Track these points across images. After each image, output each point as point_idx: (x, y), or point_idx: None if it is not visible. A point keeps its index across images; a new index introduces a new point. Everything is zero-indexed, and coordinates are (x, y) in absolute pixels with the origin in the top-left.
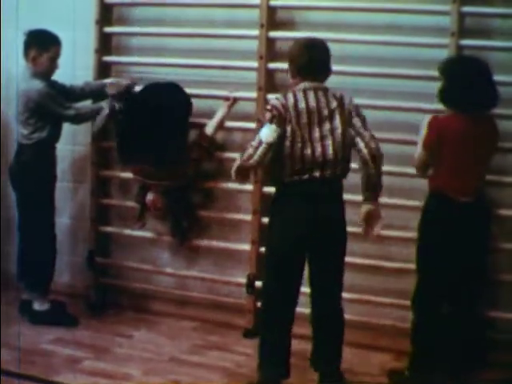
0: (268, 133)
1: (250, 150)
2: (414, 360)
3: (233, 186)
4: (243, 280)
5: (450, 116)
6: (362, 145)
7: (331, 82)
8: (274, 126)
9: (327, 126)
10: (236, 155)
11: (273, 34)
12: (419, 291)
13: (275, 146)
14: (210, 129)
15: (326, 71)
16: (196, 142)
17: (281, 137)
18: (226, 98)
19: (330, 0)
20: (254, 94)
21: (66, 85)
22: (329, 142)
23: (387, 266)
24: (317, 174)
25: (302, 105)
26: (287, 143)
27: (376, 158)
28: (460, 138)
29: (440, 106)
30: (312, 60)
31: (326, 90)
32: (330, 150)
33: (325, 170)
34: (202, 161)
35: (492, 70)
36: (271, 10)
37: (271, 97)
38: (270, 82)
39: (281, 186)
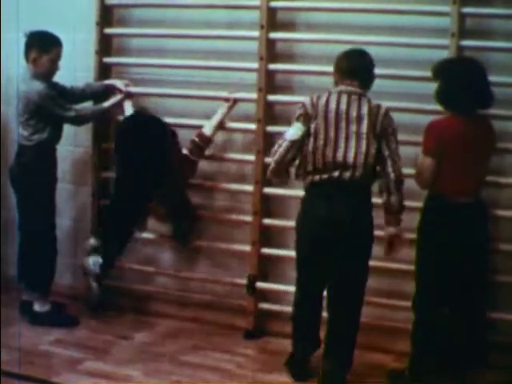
0: (293, 131)
1: (276, 147)
2: (414, 361)
3: (233, 186)
4: (244, 281)
5: (449, 118)
6: (390, 169)
7: (331, 83)
8: (299, 125)
9: (353, 128)
10: (236, 156)
11: (273, 35)
12: (419, 292)
13: (300, 144)
14: (208, 129)
15: (362, 77)
16: (194, 142)
17: (306, 135)
18: (226, 99)
19: (331, 1)
20: (254, 95)
21: (66, 86)
22: (352, 144)
23: (388, 268)
24: (335, 174)
25: (332, 105)
26: (310, 141)
27: (400, 185)
28: (459, 140)
29: (440, 108)
30: (349, 66)
31: (360, 95)
32: (352, 153)
33: (344, 171)
34: (198, 161)
35: (488, 71)
36: (271, 11)
37: (271, 98)
38: (270, 83)
39: (305, 186)
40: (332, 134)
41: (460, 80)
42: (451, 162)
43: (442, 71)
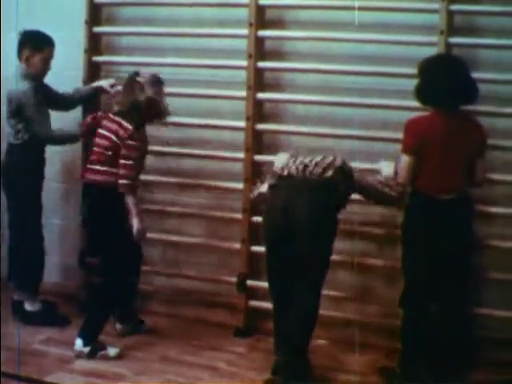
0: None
1: (252, 193)
2: (404, 357)
3: (223, 184)
4: (234, 279)
5: (428, 115)
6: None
7: (320, 80)
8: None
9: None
10: (224, 153)
11: (262, 32)
12: (407, 289)
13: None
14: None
15: None
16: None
17: None
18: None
19: None
20: (243, 93)
21: (58, 92)
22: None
23: (378, 264)
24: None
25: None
26: None
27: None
28: (438, 136)
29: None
30: None
31: None
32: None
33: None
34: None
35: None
36: (260, 9)
37: (261, 96)
38: (259, 81)
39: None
40: None
41: (437, 76)
42: (432, 159)
43: (420, 68)
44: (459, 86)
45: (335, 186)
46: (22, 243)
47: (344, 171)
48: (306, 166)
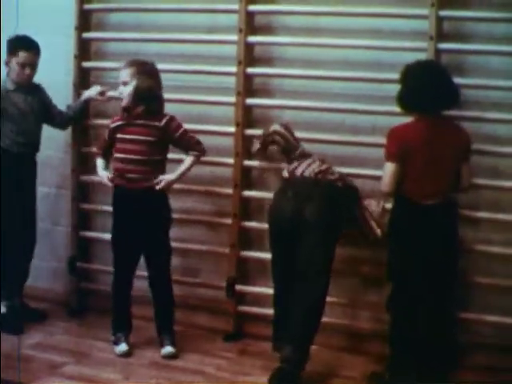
0: None
1: None
2: (392, 362)
3: (212, 189)
4: (223, 283)
5: (411, 122)
6: None
7: (309, 86)
8: None
9: None
10: (214, 159)
11: (251, 39)
12: (393, 293)
13: None
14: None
15: None
16: None
17: None
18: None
19: (309, 5)
20: (232, 99)
21: (55, 106)
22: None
23: (368, 270)
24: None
25: None
26: None
27: None
28: (421, 144)
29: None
30: None
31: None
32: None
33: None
34: None
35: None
36: (250, 15)
37: (250, 101)
38: (248, 87)
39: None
40: None
41: (420, 82)
42: (416, 165)
43: (403, 75)
44: (443, 92)
45: (344, 191)
46: (12, 246)
47: (351, 187)
48: (320, 171)
